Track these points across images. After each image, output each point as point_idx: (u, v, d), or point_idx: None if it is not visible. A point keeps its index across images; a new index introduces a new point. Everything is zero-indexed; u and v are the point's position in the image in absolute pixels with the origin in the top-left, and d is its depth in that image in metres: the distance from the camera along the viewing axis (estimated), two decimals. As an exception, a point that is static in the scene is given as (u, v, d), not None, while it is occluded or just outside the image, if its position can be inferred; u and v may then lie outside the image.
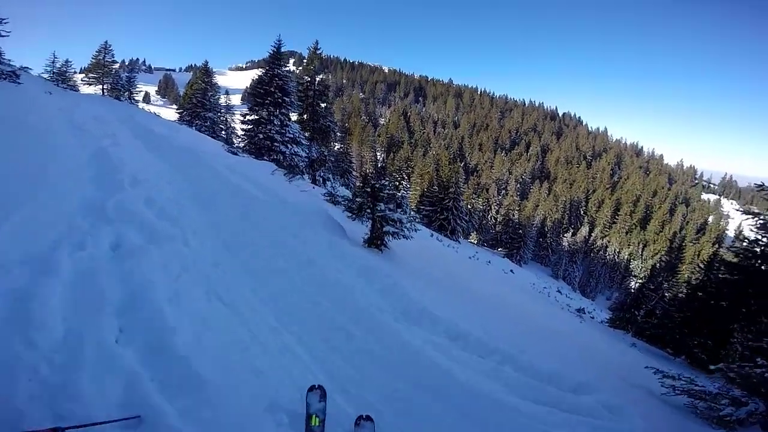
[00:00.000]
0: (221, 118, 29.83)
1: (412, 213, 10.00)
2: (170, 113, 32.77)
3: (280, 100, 19.35)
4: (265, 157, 18.64)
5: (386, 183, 9.03)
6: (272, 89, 19.07)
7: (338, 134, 66.25)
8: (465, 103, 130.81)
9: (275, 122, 18.97)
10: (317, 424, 2.86)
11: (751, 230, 16.17)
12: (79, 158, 7.57)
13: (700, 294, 19.04)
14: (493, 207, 63.72)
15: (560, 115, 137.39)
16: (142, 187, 6.65)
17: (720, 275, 17.66)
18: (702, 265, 22.13)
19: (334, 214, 10.53)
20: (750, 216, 14.63)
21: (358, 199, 9.09)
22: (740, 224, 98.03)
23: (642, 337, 22.29)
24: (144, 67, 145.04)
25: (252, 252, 5.98)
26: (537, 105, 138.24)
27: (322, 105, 21.88)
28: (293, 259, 6.17)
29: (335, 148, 44.81)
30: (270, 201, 9.50)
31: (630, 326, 24.20)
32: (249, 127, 19.86)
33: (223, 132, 29.80)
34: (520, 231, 53.76)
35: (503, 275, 30.09)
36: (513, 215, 57.84)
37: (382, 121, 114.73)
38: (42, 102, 12.94)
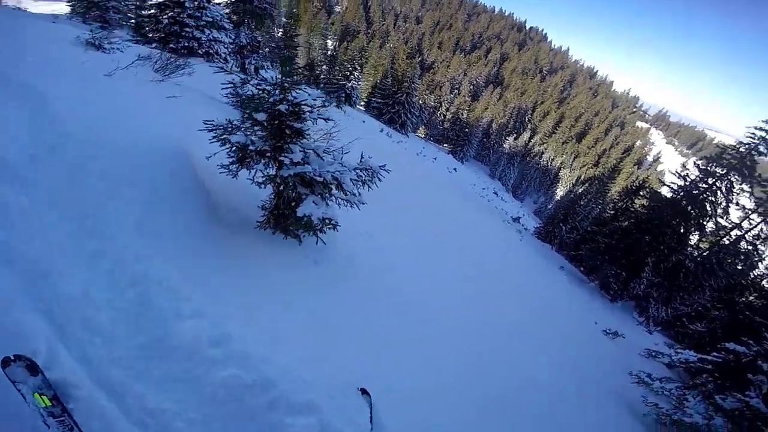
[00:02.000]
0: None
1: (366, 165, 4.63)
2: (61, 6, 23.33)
3: None
4: (172, 45, 14.34)
5: (313, 103, 4.21)
6: None
7: (283, 19, 56.62)
8: (431, 0, 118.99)
9: (187, 4, 14.17)
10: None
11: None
12: None
13: (622, 219, 19.89)
14: (444, 105, 61.96)
15: (527, 28, 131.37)
16: None
17: (646, 205, 18.33)
18: (630, 189, 22.72)
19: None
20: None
21: (238, 136, 4.13)
22: (660, 152, 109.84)
23: (563, 250, 23.71)
24: None
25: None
26: (506, 14, 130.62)
27: None
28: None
29: (278, 34, 38.08)
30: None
31: (555, 239, 25.60)
32: (151, 12, 14.92)
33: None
34: (467, 130, 53.60)
35: (448, 174, 29.93)
36: (462, 115, 56.85)
37: (338, 9, 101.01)
38: None
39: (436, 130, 59.76)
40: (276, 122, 4.10)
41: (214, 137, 4.10)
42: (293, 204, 4.46)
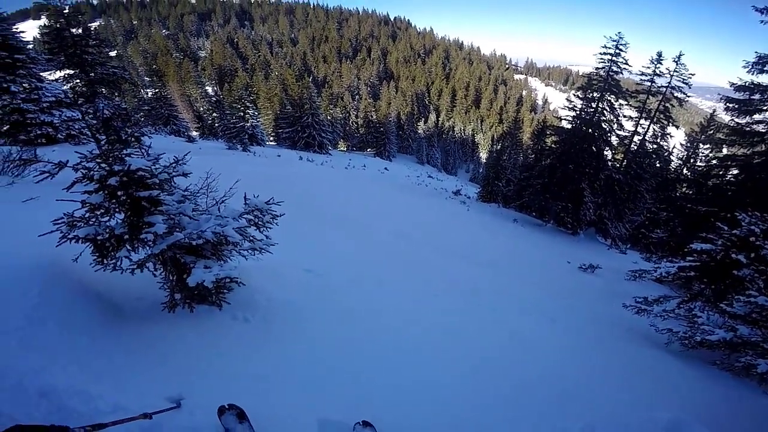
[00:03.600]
0: None
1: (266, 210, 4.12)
2: None
3: (7, 60, 12.07)
4: (23, 137, 11.91)
5: (153, 169, 3.40)
6: None
7: (146, 79, 52.68)
8: (299, 19, 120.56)
9: (13, 88, 11.85)
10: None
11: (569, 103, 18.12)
12: None
13: (544, 159, 20.98)
14: (351, 113, 61.64)
15: (392, 19, 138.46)
16: None
17: (554, 140, 19.62)
18: (536, 132, 24.22)
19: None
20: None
21: (86, 228, 3.23)
22: (545, 94, 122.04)
23: (509, 205, 24.32)
24: None
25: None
26: (371, 12, 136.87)
27: (91, 51, 14.94)
28: None
29: (147, 95, 34.88)
30: None
31: (497, 197, 26.18)
32: None
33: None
34: (381, 129, 53.72)
35: (381, 176, 29.49)
36: (371, 116, 56.88)
37: (203, 54, 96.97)
38: None
39: (355, 139, 59.24)
40: (119, 198, 3.31)
41: (61, 237, 3.22)
42: (184, 276, 3.84)
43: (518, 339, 5.19)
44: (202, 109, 50.03)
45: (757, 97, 10.07)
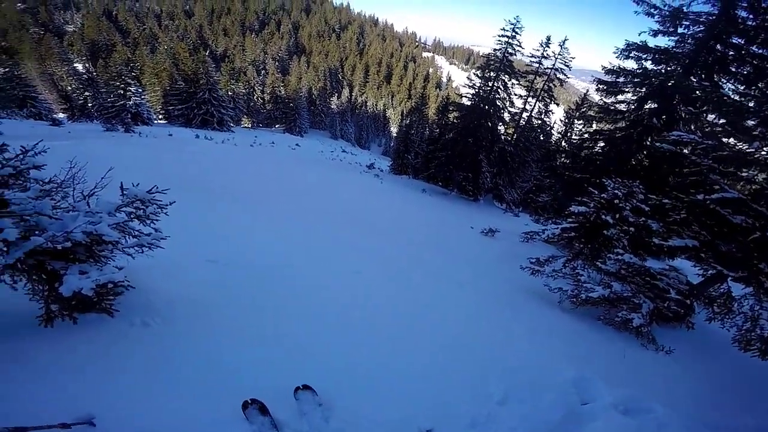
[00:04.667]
0: None
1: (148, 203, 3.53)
2: None
3: None
4: None
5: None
6: None
7: None
8: None
9: None
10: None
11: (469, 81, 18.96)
12: None
13: (447, 134, 21.85)
14: (256, 88, 57.01)
15: None
16: None
17: (455, 116, 20.48)
18: (440, 108, 25.07)
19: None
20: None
21: None
22: (449, 72, 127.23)
23: (419, 176, 24.99)
24: None
25: None
26: None
27: None
28: None
29: None
30: None
31: (408, 169, 26.75)
32: None
33: None
34: (291, 104, 51.05)
35: (292, 152, 28.20)
36: (280, 92, 53.52)
37: (71, 28, 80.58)
38: None
39: (261, 115, 55.19)
40: None
41: None
42: (57, 284, 3.11)
43: (433, 306, 5.35)
44: (69, 88, 41.95)
45: (621, 80, 11.32)
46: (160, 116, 40.07)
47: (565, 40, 17.54)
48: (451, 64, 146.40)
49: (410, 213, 13.12)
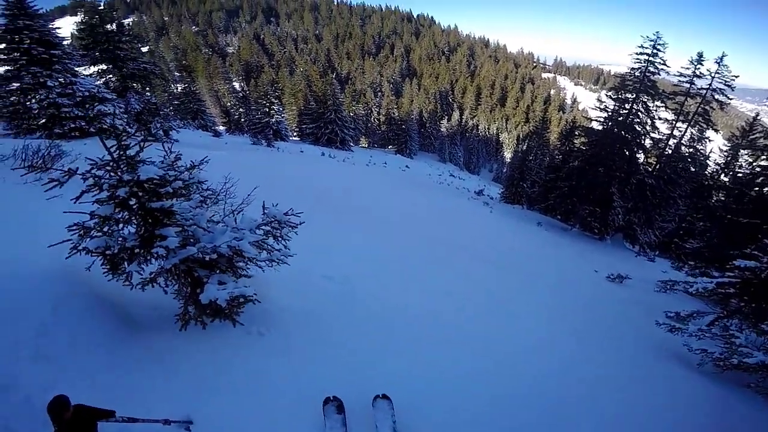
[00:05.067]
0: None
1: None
2: None
3: (44, 56, 12.43)
4: (57, 130, 12.36)
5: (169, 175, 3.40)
6: (25, 46, 12.09)
7: (176, 74, 53.96)
8: (323, 16, 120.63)
9: (50, 83, 12.25)
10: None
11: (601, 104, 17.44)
12: None
13: (572, 160, 20.37)
14: (373, 110, 61.89)
15: (415, 16, 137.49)
16: None
17: (583, 141, 18.90)
18: (565, 132, 23.54)
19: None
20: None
21: (96, 240, 3.29)
22: (573, 93, 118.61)
23: (534, 207, 23.76)
24: None
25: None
26: (393, 9, 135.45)
27: (123, 47, 15.51)
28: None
29: (176, 90, 35.81)
30: None
31: (522, 198, 25.61)
32: (12, 99, 12.67)
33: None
34: (403, 126, 53.40)
35: (402, 174, 29.32)
36: (393, 113, 56.83)
37: (231, 50, 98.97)
38: None
39: (376, 136, 59.47)
40: (131, 208, 3.19)
41: (71, 248, 3.19)
42: (198, 290, 3.66)
43: (538, 354, 5.08)
44: (228, 104, 51.17)
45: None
46: (294, 133, 46.09)
47: (723, 56, 15.05)
48: (576, 84, 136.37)
49: (521, 247, 12.26)
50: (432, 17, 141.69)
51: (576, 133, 21.60)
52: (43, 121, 12.43)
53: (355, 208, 10.95)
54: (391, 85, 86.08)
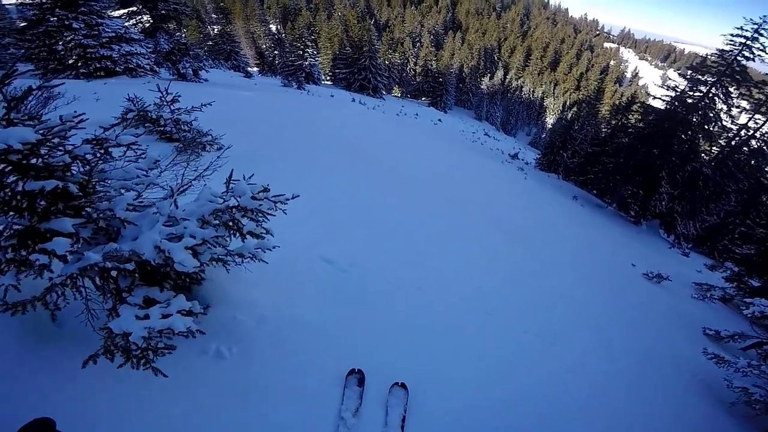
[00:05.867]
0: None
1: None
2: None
3: None
4: (83, 70, 12.46)
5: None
6: None
7: (213, 16, 53.30)
8: None
9: (75, 25, 12.19)
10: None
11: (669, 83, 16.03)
12: None
13: (621, 137, 18.90)
14: (410, 60, 58.98)
15: None
16: None
17: (643, 119, 17.31)
18: (620, 106, 21.75)
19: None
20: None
21: None
22: (636, 68, 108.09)
23: (569, 178, 22.66)
24: None
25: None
26: None
27: None
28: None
29: (213, 32, 35.16)
30: None
31: (558, 167, 24.40)
32: (37, 42, 12.77)
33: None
34: (441, 79, 51.13)
35: (434, 127, 28.36)
36: (431, 65, 54.30)
37: None
38: None
39: (411, 86, 57.29)
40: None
41: None
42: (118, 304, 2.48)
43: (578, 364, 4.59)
44: (264, 46, 50.13)
45: None
46: (328, 78, 45.07)
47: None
48: (641, 59, 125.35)
49: (554, 223, 11.38)
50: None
51: (633, 107, 19.94)
52: (71, 61, 12.55)
53: (378, 159, 10.25)
54: (432, 37, 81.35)
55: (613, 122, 21.93)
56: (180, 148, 6.10)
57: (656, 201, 15.71)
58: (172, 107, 6.50)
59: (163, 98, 6.47)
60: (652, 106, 16.86)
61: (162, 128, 6.46)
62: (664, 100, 16.00)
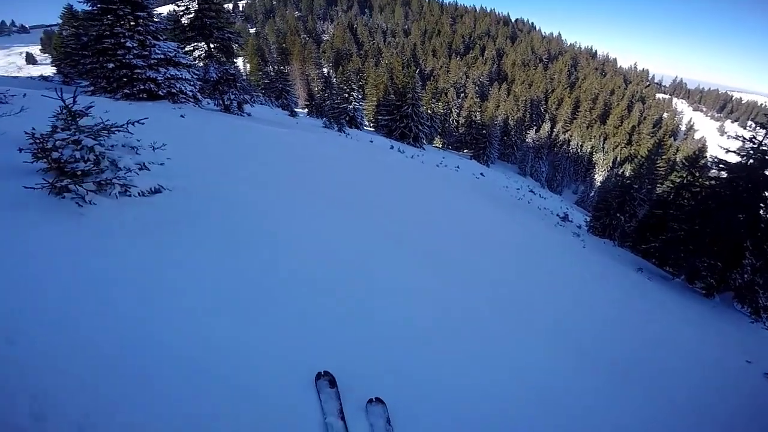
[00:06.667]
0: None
1: None
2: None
3: (126, 11, 12.85)
4: (126, 90, 12.86)
5: None
6: (116, 3, 12.58)
7: (274, 56, 57.43)
8: (414, 11, 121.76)
9: (129, 44, 12.72)
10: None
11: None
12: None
13: (687, 197, 17.06)
14: (453, 110, 59.19)
15: (513, 21, 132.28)
16: None
17: (718, 177, 15.47)
18: (686, 163, 19.89)
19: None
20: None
21: None
22: (691, 119, 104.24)
23: (625, 244, 20.58)
24: (15, 28, 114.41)
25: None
26: (488, 11, 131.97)
27: (212, 13, 16.04)
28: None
29: (273, 71, 37.58)
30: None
31: (614, 232, 22.36)
32: (90, 60, 13.47)
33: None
34: (484, 131, 50.69)
35: (475, 181, 27.28)
36: (475, 116, 54.06)
37: (325, 37, 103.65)
38: None
39: (453, 137, 57.25)
40: None
41: None
42: None
43: None
44: (316, 88, 53.03)
45: None
46: (371, 124, 46.31)
47: None
48: (695, 110, 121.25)
49: (618, 299, 9.57)
50: (532, 23, 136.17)
51: (701, 163, 18.13)
52: (116, 82, 12.99)
53: (412, 216, 9.20)
54: (477, 88, 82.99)
55: (677, 180, 20.01)
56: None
57: (739, 273, 13.54)
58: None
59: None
60: (729, 163, 15.02)
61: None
62: (737, 154, 14.19)
